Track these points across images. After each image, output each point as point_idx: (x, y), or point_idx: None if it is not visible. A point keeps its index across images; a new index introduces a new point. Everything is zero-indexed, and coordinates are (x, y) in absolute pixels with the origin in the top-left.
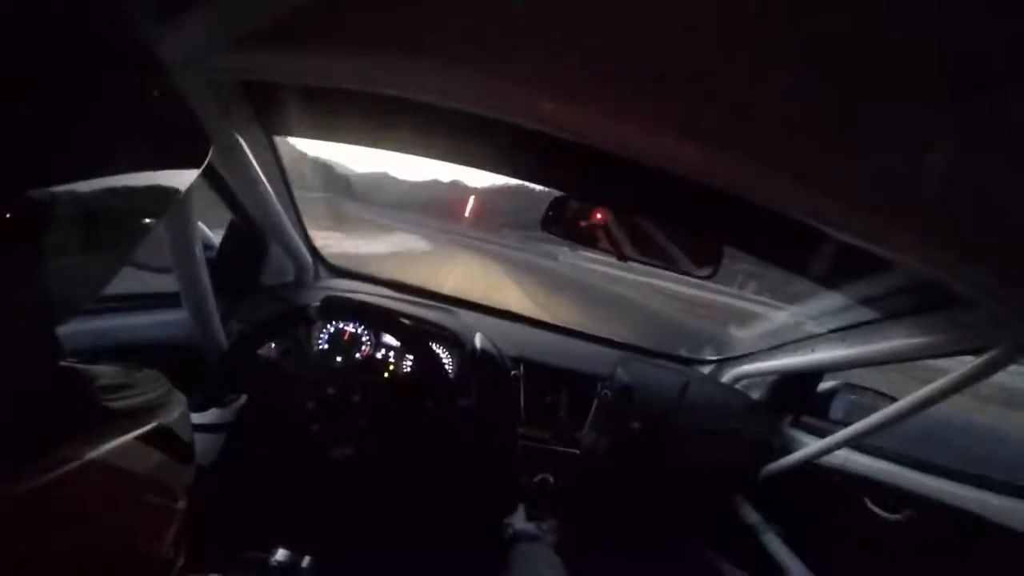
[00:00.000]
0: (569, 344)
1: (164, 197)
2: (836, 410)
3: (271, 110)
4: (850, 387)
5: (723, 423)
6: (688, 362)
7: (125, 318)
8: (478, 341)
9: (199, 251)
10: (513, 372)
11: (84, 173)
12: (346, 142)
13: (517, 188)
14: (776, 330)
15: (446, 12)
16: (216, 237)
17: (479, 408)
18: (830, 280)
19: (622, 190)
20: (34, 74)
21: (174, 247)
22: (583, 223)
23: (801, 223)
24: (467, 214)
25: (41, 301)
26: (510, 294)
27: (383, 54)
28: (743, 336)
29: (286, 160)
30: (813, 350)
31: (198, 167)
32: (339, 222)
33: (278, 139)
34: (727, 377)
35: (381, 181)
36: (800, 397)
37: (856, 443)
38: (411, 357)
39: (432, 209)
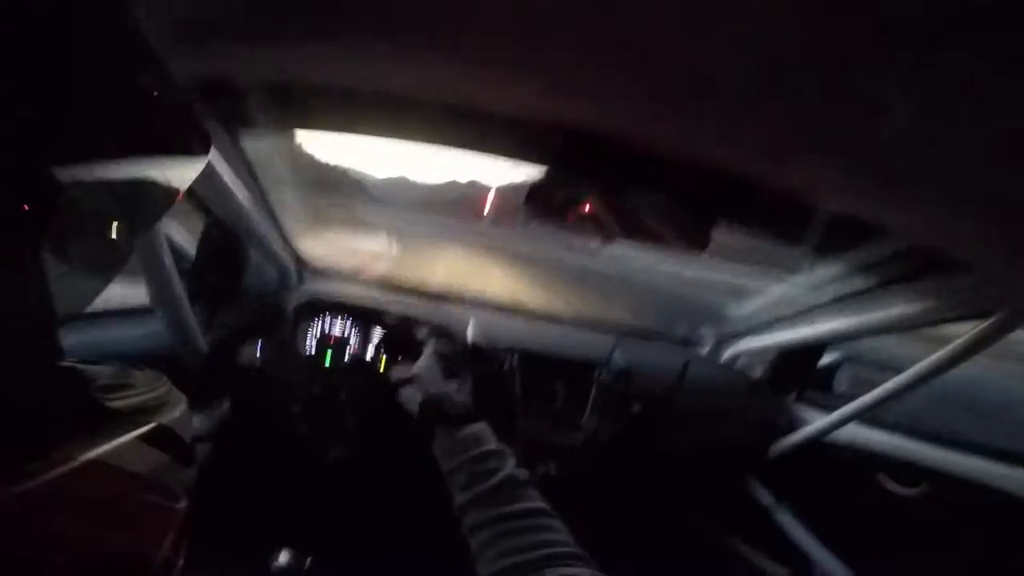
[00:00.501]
0: (564, 332)
1: (163, 197)
2: (840, 384)
3: (233, 109)
4: (853, 360)
5: (726, 402)
6: (685, 342)
7: (99, 330)
8: (469, 333)
9: (168, 258)
10: (507, 363)
11: (81, 174)
12: (312, 131)
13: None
14: (773, 304)
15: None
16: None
17: (473, 402)
18: (824, 248)
19: (607, 168)
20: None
21: (141, 256)
22: (568, 205)
23: (791, 192)
24: (486, 212)
25: (41, 301)
26: (506, 285)
27: (347, 45)
28: (740, 312)
29: (264, 162)
30: (812, 322)
31: (197, 168)
32: (358, 226)
33: (246, 140)
34: (726, 355)
35: (400, 185)
36: (802, 372)
37: (864, 417)
38: (399, 354)
39: (450, 209)
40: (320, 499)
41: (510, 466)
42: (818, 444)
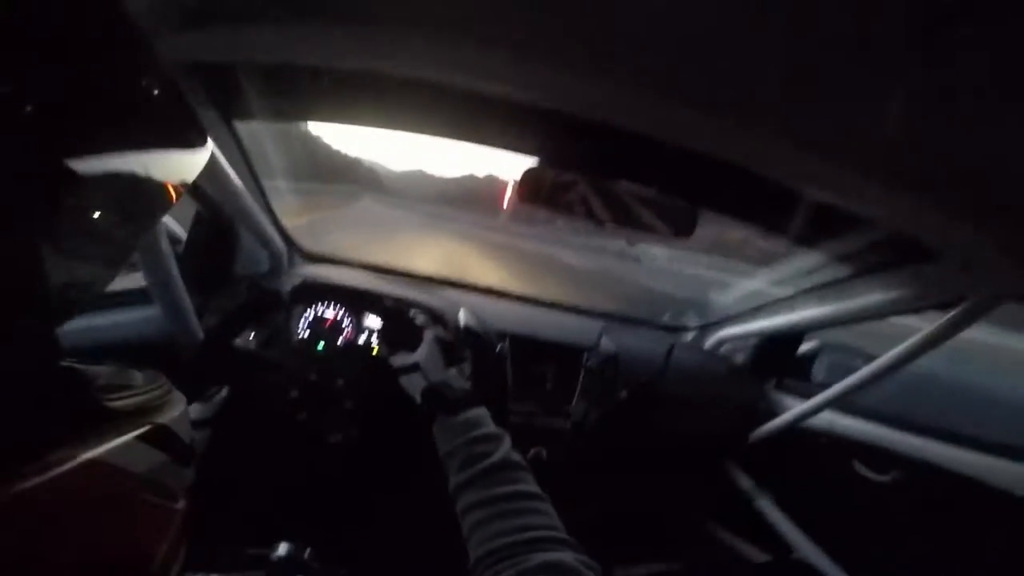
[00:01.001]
0: (553, 316)
1: (163, 192)
2: (818, 372)
3: (226, 93)
4: (831, 348)
5: (709, 388)
6: (670, 329)
7: (94, 318)
8: (462, 318)
9: (165, 244)
10: (499, 347)
11: (80, 169)
12: (308, 120)
13: None
14: (755, 292)
15: None
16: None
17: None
18: (804, 237)
19: (596, 155)
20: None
21: (139, 243)
22: (559, 191)
23: (773, 181)
24: (505, 207)
25: (42, 300)
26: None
27: (340, 26)
28: (723, 300)
29: (253, 145)
30: (792, 310)
31: (199, 159)
32: (375, 222)
33: (239, 124)
34: (710, 342)
35: (416, 178)
36: (782, 359)
37: (841, 404)
38: (395, 339)
39: (467, 203)
40: (318, 485)
41: (505, 449)
42: (796, 431)
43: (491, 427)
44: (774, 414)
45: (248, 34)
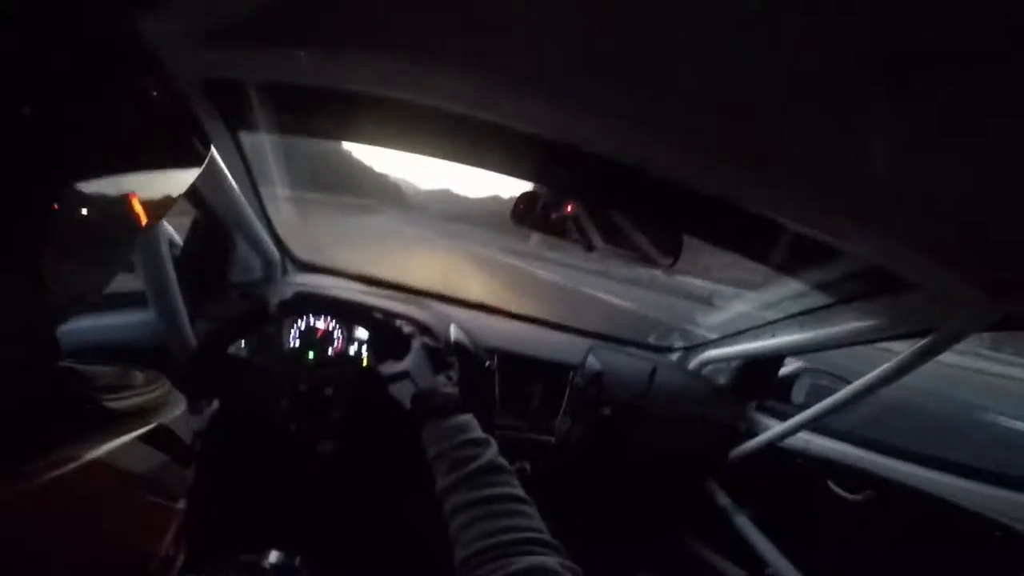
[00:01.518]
0: (541, 334)
1: (167, 195)
2: (797, 394)
3: (234, 107)
4: (810, 371)
5: (691, 408)
6: (656, 350)
7: (88, 320)
8: (452, 333)
9: (165, 249)
10: (487, 363)
11: (82, 174)
12: (312, 137)
13: None
14: (739, 317)
15: (412, 9)
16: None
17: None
18: (786, 266)
19: (588, 183)
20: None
21: (140, 245)
22: (552, 215)
23: (754, 212)
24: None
25: (41, 302)
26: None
27: (349, 50)
28: (708, 323)
29: (255, 156)
30: (773, 335)
31: (198, 166)
32: (405, 240)
33: (243, 135)
34: (693, 363)
35: (444, 196)
36: (763, 382)
37: (817, 426)
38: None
39: (493, 223)
40: (309, 494)
41: (492, 454)
42: (775, 451)
43: (478, 432)
44: (753, 434)
45: (260, 54)
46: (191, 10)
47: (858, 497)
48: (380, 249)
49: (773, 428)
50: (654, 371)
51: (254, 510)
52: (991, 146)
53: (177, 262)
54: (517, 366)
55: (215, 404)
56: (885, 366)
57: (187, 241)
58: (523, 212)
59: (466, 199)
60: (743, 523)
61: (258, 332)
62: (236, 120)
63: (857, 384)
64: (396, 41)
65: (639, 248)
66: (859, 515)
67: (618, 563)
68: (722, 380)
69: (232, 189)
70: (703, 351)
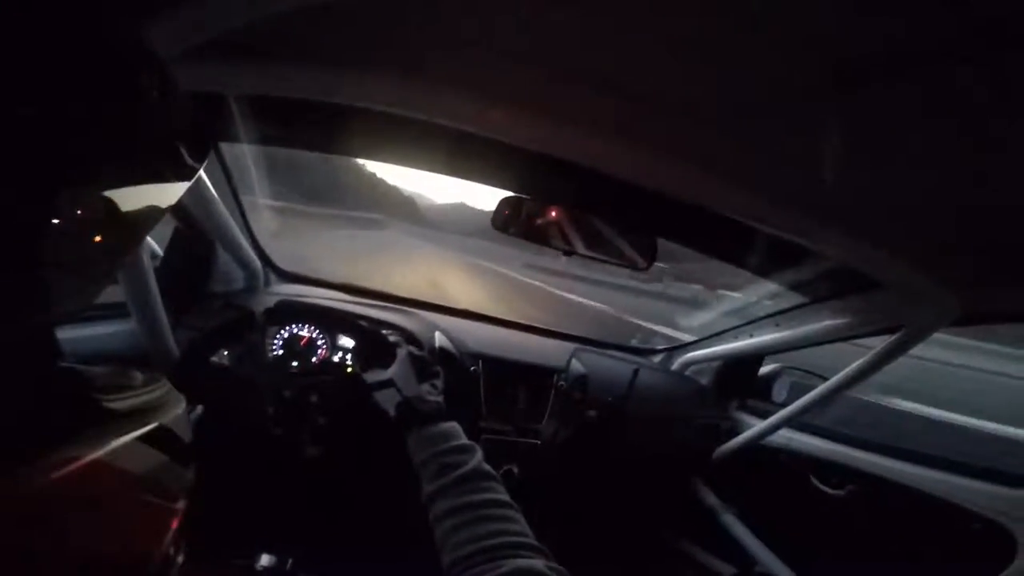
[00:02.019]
0: (525, 339)
1: (160, 202)
2: (778, 393)
3: (216, 118)
4: (788, 370)
5: (674, 408)
6: (639, 352)
7: (69, 330)
8: (437, 339)
9: (147, 259)
10: (472, 368)
11: (83, 178)
12: (293, 147)
13: None
14: (719, 318)
15: (396, 24)
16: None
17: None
18: (760, 267)
19: (567, 189)
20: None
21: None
22: (533, 221)
23: (727, 216)
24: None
25: (41, 303)
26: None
27: (334, 64)
28: (690, 325)
29: (237, 166)
30: (752, 335)
31: (191, 175)
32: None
33: (224, 146)
34: (676, 365)
35: (459, 211)
36: (744, 381)
37: (798, 423)
38: (369, 358)
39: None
40: (296, 500)
41: (477, 460)
42: (758, 448)
43: (463, 439)
44: (737, 432)
45: (244, 68)
46: (179, 24)
47: (840, 492)
48: (374, 263)
49: (755, 426)
50: (636, 373)
51: (241, 515)
52: (951, 149)
53: (158, 272)
54: (502, 371)
55: (199, 410)
56: (856, 363)
57: (168, 251)
58: (507, 218)
59: (483, 212)
60: (730, 521)
61: (241, 341)
62: (218, 132)
63: (833, 380)
64: (384, 57)
65: (616, 253)
66: (842, 509)
67: (607, 564)
68: (704, 380)
69: (215, 201)
70: (685, 352)
